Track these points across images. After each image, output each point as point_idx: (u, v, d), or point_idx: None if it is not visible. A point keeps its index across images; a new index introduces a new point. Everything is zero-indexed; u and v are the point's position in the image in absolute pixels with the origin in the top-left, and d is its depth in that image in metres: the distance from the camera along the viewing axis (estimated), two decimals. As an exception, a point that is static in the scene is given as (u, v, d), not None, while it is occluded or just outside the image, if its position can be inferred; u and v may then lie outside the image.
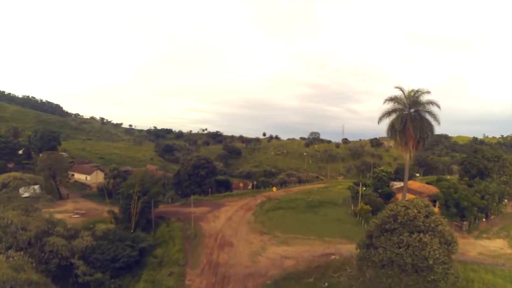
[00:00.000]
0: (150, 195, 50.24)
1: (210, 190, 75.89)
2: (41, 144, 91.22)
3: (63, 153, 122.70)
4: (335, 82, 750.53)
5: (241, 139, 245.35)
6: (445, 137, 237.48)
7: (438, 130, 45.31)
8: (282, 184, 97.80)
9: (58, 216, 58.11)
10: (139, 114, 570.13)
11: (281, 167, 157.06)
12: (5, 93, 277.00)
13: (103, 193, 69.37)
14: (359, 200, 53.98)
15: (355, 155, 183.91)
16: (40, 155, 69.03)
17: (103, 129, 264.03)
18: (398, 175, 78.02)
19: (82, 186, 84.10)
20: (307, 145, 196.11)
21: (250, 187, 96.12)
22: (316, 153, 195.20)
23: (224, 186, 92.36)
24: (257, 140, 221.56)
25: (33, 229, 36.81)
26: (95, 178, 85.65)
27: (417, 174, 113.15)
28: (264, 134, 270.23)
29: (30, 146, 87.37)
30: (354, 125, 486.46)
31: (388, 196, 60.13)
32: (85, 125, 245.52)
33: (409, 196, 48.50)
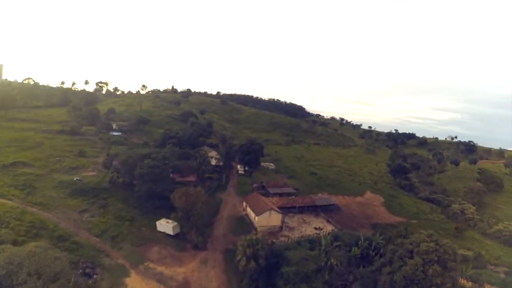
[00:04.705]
0: None
1: None
2: (225, 161, 79.67)
3: (270, 163, 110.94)
4: None
5: (502, 156, 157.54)
6: None
7: None
8: None
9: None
10: (384, 113, 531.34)
11: None
12: (253, 97, 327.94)
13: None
14: None
15: None
16: (175, 191, 52.84)
17: (338, 131, 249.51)
18: None
19: (248, 227, 62.79)
20: None
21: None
22: None
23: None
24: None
25: None
26: (265, 221, 62.32)
27: None
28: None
29: (202, 165, 75.87)
30: None
31: None
32: (318, 127, 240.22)
33: None
